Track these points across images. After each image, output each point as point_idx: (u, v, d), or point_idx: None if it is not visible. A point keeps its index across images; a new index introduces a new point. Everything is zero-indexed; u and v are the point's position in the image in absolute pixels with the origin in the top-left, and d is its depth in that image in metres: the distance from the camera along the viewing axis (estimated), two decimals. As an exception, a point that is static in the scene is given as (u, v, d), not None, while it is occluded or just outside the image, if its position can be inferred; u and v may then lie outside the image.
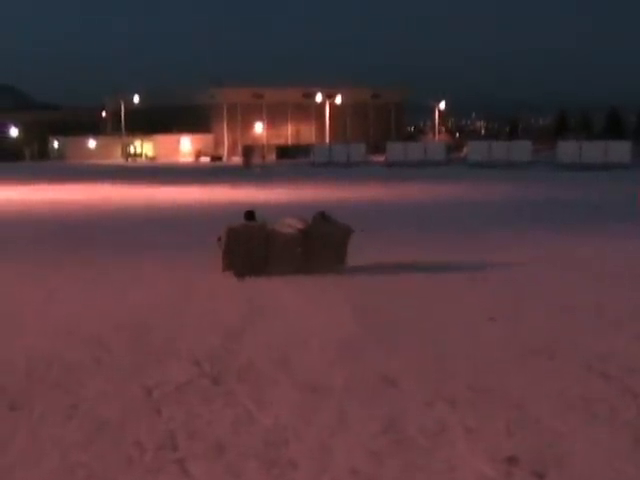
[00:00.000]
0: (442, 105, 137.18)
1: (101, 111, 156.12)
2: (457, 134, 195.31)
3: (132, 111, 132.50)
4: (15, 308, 13.38)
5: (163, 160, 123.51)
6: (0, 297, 14.43)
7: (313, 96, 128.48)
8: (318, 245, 16.44)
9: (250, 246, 16.23)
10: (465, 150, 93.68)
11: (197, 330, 11.69)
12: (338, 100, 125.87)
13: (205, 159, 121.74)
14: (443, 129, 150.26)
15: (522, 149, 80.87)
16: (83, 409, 8.38)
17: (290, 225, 16.78)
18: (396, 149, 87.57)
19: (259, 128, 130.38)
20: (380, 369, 9.59)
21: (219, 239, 16.41)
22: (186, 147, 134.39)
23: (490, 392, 8.77)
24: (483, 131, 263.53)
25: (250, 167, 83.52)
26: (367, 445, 7.38)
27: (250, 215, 17.05)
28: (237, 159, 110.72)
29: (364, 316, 12.46)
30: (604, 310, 12.80)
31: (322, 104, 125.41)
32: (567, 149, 76.17)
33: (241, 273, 15.96)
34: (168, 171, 78.77)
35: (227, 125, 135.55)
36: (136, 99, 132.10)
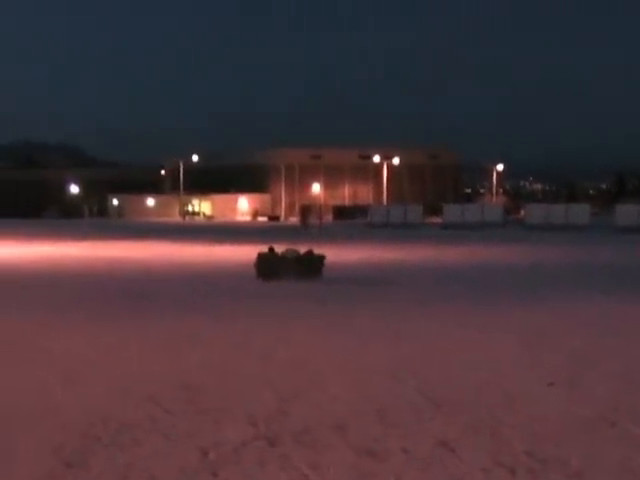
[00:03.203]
0: (500, 167, 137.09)
1: (160, 170, 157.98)
2: (514, 196, 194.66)
3: (191, 170, 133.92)
4: (72, 365, 13.44)
5: (220, 219, 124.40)
6: (56, 354, 14.50)
7: (370, 157, 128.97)
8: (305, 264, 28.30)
9: (268, 263, 28.41)
10: (522, 212, 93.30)
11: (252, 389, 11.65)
12: (395, 161, 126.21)
13: (262, 219, 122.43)
14: (501, 191, 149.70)
15: (580, 212, 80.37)
16: (139, 468, 8.36)
17: (291, 251, 28.90)
18: (453, 211, 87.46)
19: (316, 188, 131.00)
20: (437, 435, 9.46)
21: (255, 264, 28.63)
22: (244, 206, 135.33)
23: (549, 461, 8.60)
24: (540, 194, 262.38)
25: (307, 227, 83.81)
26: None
27: (271, 249, 29.28)
28: (294, 219, 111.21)
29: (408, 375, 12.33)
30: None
31: (379, 165, 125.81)
32: (625, 212, 75.65)
33: (266, 278, 27.59)
34: (225, 230, 79.28)
35: (285, 185, 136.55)
36: (195, 158, 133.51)
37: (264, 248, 29.64)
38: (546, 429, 9.70)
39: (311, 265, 28.21)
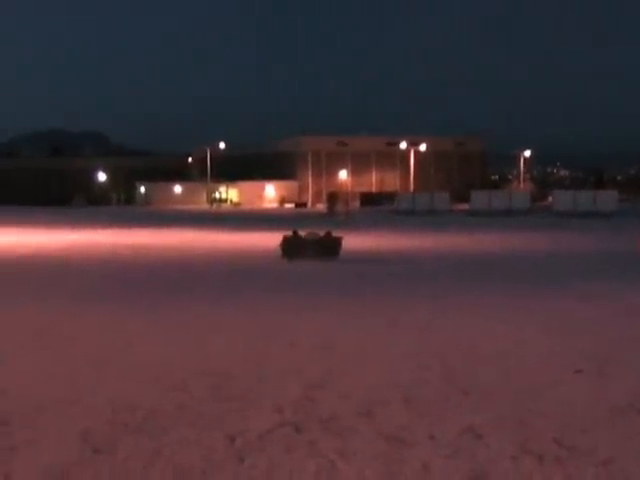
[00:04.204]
0: (527, 153, 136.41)
1: (187, 157, 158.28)
2: (541, 183, 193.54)
3: (218, 158, 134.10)
4: (99, 353, 13.49)
5: (248, 206, 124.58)
6: (82, 342, 14.55)
7: (397, 144, 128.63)
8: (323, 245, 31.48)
9: (292, 244, 31.40)
10: (550, 199, 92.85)
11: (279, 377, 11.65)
12: (422, 148, 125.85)
13: (289, 206, 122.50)
14: (528, 177, 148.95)
15: (608, 199, 79.84)
16: (165, 455, 8.37)
17: (312, 234, 32.16)
18: (480, 198, 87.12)
19: (343, 175, 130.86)
20: (464, 422, 9.42)
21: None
22: (271, 194, 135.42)
23: (577, 448, 8.54)
24: (568, 180, 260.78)
25: (334, 214, 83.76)
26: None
27: (295, 232, 32.15)
28: (321, 206, 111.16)
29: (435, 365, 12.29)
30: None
31: (406, 152, 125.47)
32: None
33: (289, 258, 30.61)
34: (251, 218, 79.43)
35: (312, 172, 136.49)
36: (222, 146, 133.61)
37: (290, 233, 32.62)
38: (574, 417, 9.65)
39: (329, 246, 31.42)
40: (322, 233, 32.50)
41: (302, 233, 32.51)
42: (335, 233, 33.00)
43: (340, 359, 12.76)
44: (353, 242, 38.60)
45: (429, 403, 10.20)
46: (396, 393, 10.65)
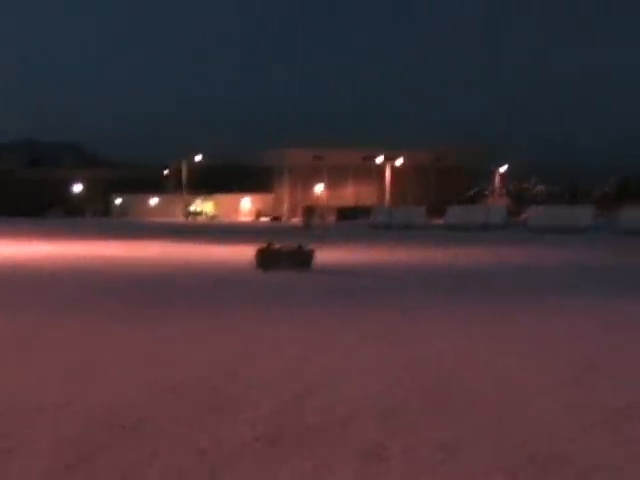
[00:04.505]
0: (503, 169, 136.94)
1: (164, 169, 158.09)
2: (517, 198, 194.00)
3: (194, 170, 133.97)
4: (78, 365, 13.34)
5: (223, 219, 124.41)
6: (66, 352, 14.38)
7: (373, 158, 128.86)
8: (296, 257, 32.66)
9: (267, 256, 32.76)
10: (525, 214, 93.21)
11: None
12: (398, 162, 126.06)
13: (265, 219, 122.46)
14: (504, 192, 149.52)
15: (583, 214, 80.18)
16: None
17: (286, 246, 33.87)
18: (456, 212, 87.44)
19: (319, 189, 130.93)
20: (437, 437, 9.32)
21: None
22: (247, 207, 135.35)
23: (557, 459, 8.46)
24: (543, 195, 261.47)
25: (310, 228, 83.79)
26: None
27: (269, 243, 33.93)
28: (297, 220, 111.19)
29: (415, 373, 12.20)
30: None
31: (383, 166, 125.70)
32: (630, 215, 75.33)
33: (264, 268, 31.67)
34: (226, 230, 79.27)
35: (288, 186, 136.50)
36: (198, 158, 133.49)
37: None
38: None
39: (302, 258, 32.81)
40: (292, 247, 34.17)
41: (276, 245, 34.27)
42: (310, 246, 34.24)
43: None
44: (327, 255, 38.66)
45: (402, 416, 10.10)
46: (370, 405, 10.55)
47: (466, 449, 8.80)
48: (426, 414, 10.29)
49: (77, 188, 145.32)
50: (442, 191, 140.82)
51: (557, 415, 10.25)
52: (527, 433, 9.41)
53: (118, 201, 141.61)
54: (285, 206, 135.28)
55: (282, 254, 33.33)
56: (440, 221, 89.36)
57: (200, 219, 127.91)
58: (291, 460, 8.44)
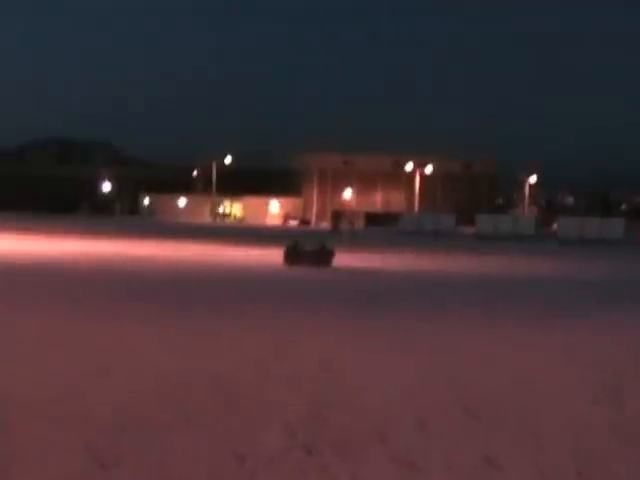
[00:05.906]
0: (533, 179, 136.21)
1: (193, 170, 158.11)
2: (546, 208, 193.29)
3: (224, 171, 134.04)
4: (102, 364, 13.25)
5: (251, 221, 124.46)
6: (86, 354, 14.31)
7: (403, 165, 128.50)
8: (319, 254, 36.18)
9: (294, 253, 36.30)
10: (555, 225, 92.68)
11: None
12: (428, 170, 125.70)
13: (293, 223, 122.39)
14: (534, 202, 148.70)
15: (614, 226, 79.67)
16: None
17: (312, 244, 37.45)
18: (485, 221, 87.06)
19: (348, 194, 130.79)
20: (481, 450, 9.13)
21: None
22: (275, 210, 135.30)
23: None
24: (574, 205, 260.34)
25: (338, 232, 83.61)
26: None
27: (296, 242, 37.75)
28: (325, 224, 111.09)
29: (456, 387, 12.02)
30: None
31: (412, 173, 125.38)
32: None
33: (290, 264, 35.28)
34: (254, 233, 79.20)
35: (317, 190, 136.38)
36: (228, 160, 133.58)
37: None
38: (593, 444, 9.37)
39: (324, 256, 36.17)
40: (317, 245, 37.76)
41: (302, 244, 37.95)
42: (331, 247, 37.76)
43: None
44: (350, 258, 39.52)
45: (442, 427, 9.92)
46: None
47: (509, 463, 8.61)
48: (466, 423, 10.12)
49: (106, 186, 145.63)
50: (471, 199, 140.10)
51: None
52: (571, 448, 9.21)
53: (146, 200, 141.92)
54: (313, 210, 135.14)
55: (306, 252, 36.88)
56: (469, 229, 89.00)
57: (228, 221, 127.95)
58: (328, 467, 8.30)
